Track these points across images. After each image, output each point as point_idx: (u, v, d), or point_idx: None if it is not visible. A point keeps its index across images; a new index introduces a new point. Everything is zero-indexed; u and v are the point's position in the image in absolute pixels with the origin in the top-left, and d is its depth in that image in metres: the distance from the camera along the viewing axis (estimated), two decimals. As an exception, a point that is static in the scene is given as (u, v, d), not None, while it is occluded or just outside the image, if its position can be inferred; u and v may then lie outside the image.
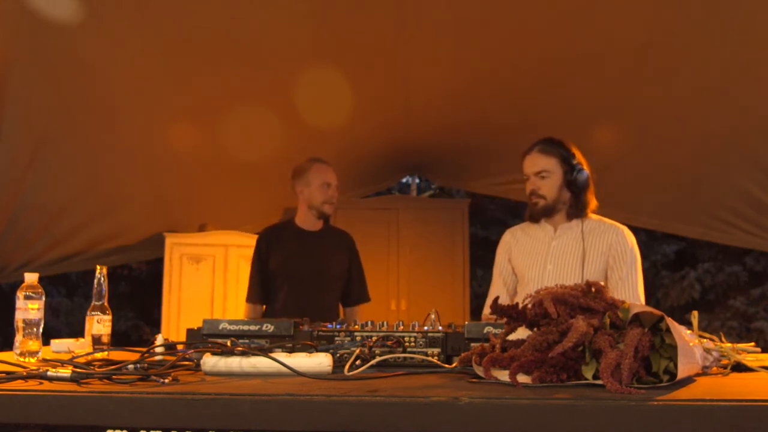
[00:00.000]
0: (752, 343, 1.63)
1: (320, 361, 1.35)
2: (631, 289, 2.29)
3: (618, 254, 2.34)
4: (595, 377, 1.18)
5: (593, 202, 2.42)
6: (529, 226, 2.51)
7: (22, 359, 1.58)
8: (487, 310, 2.43)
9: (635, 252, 2.36)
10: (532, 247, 2.46)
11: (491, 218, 8.79)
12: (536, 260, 2.42)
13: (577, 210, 2.40)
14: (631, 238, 2.38)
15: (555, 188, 2.38)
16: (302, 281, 3.05)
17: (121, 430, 1.09)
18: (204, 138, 3.96)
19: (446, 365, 1.50)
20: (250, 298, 3.14)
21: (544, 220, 2.45)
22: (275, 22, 3.14)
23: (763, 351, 1.69)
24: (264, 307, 3.12)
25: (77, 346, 1.86)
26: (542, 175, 2.38)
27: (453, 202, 6.54)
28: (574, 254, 2.36)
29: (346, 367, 1.35)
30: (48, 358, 1.65)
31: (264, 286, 3.11)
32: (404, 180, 7.17)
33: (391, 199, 6.51)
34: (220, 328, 1.57)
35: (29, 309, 1.59)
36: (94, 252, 4.26)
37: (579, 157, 2.41)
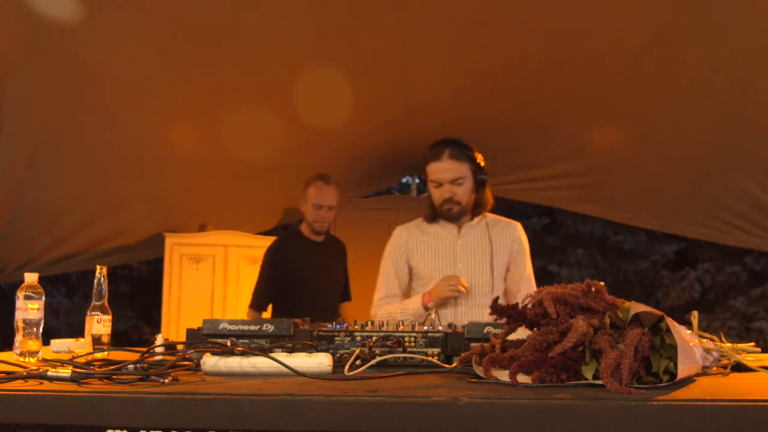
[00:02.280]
0: (752, 343, 1.63)
1: (320, 361, 1.35)
2: (529, 280, 2.50)
3: (519, 248, 2.50)
4: (595, 377, 1.18)
5: (491, 200, 2.51)
6: (427, 225, 2.52)
7: (22, 359, 1.58)
8: (377, 307, 2.47)
9: (528, 246, 2.54)
10: (435, 246, 2.47)
11: (491, 218, 8.78)
12: (445, 260, 2.45)
13: (480, 209, 2.48)
14: (525, 234, 2.55)
15: (468, 193, 2.42)
16: (313, 288, 3.31)
17: (121, 430, 1.09)
18: (204, 138, 3.96)
19: (446, 365, 1.50)
20: (256, 306, 3.37)
21: (445, 219, 2.48)
22: (275, 22, 3.14)
23: (763, 351, 1.69)
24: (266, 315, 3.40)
25: (77, 346, 1.86)
26: (458, 182, 2.39)
27: (453, 202, 6.51)
28: (482, 251, 2.44)
29: (346, 367, 1.35)
30: (48, 358, 1.65)
31: (271, 296, 3.35)
32: (404, 180, 7.18)
33: (391, 199, 6.51)
34: (220, 328, 1.57)
35: (29, 309, 1.59)
36: (94, 252, 4.26)
37: (480, 157, 2.44)
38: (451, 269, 2.43)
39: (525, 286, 2.45)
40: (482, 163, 2.43)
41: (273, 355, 1.35)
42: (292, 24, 3.17)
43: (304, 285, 3.31)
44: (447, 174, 2.38)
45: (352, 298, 3.60)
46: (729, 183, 3.92)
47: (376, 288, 2.56)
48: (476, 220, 2.49)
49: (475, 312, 2.38)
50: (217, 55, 3.32)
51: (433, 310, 2.29)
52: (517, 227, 2.54)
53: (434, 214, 2.48)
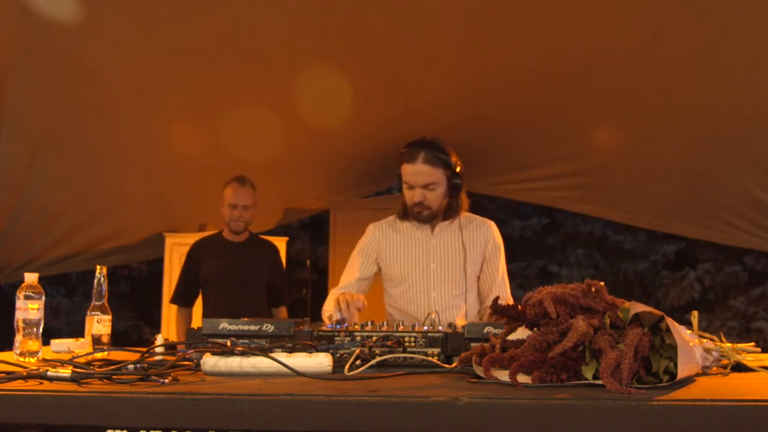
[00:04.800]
0: (752, 343, 1.63)
1: (320, 361, 1.35)
2: (503, 282, 2.45)
3: (493, 248, 2.45)
4: (595, 377, 1.18)
5: (466, 203, 2.47)
6: (399, 223, 2.47)
7: (22, 359, 1.58)
8: (330, 305, 2.27)
9: (503, 245, 2.50)
10: (408, 246, 2.43)
11: (491, 218, 8.77)
12: (417, 260, 2.41)
13: (453, 211, 2.43)
14: (498, 232, 2.51)
15: (440, 198, 2.37)
16: (226, 288, 3.42)
17: (121, 430, 1.09)
18: (204, 138, 3.97)
19: (446, 365, 1.50)
20: (173, 300, 3.62)
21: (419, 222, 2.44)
22: (275, 22, 3.14)
23: (763, 351, 1.69)
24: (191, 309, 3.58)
25: (77, 346, 1.86)
26: (430, 187, 2.34)
27: (453, 202, 6.51)
28: (455, 252, 2.41)
29: (346, 367, 1.35)
30: (48, 358, 1.65)
31: (188, 293, 3.54)
32: (404, 180, 7.15)
33: (391, 199, 6.47)
34: (220, 328, 1.57)
35: (29, 309, 1.59)
36: (94, 252, 4.26)
37: (456, 160, 2.37)
38: (424, 269, 2.40)
39: (497, 289, 2.40)
40: (458, 168, 2.36)
41: (273, 355, 1.35)
42: (292, 24, 3.17)
43: (214, 283, 3.43)
44: (420, 178, 2.32)
45: (286, 303, 3.68)
46: (729, 183, 3.91)
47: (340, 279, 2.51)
48: (449, 221, 2.45)
49: (449, 314, 2.35)
50: (217, 55, 3.32)
51: (434, 309, 2.28)
52: (491, 226, 2.49)
53: (405, 212, 2.43)
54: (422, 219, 2.39)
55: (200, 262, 3.48)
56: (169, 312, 4.56)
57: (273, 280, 3.58)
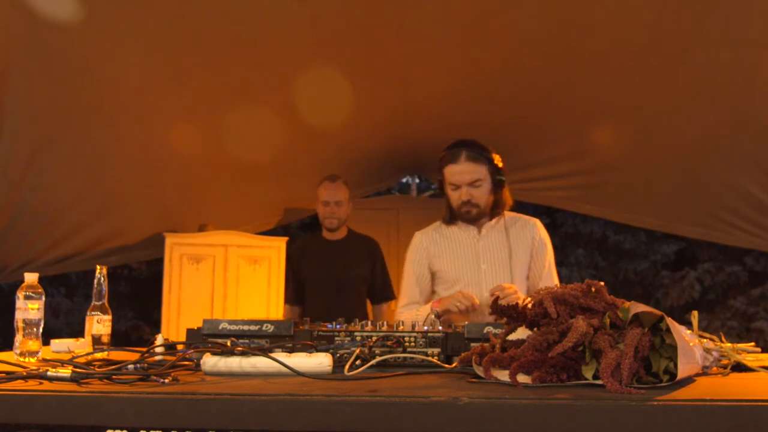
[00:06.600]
0: (752, 343, 1.63)
1: (320, 361, 1.35)
2: (550, 272, 2.50)
3: (539, 246, 2.49)
4: (595, 377, 1.18)
5: (510, 200, 2.51)
6: (445, 227, 2.52)
7: (22, 359, 1.58)
8: (399, 314, 2.47)
9: (549, 242, 2.54)
10: (456, 249, 2.47)
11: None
12: (468, 262, 2.44)
13: (498, 209, 2.47)
14: (544, 229, 2.55)
15: (486, 195, 2.42)
16: (328, 286, 3.48)
17: (121, 430, 1.09)
18: (204, 138, 3.96)
19: (446, 365, 1.50)
20: (286, 300, 3.73)
21: (464, 221, 2.47)
22: (275, 22, 3.14)
23: (763, 351, 1.69)
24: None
25: (77, 346, 1.86)
26: (476, 184, 2.38)
27: (453, 202, 6.51)
28: (503, 251, 2.44)
29: (346, 367, 1.35)
30: (48, 358, 1.66)
31: (296, 293, 3.61)
32: (404, 180, 7.17)
33: (391, 199, 6.50)
34: (220, 328, 1.57)
35: (29, 309, 1.59)
36: (94, 252, 4.25)
37: (496, 156, 2.43)
38: (475, 270, 2.42)
39: (543, 282, 2.46)
40: (500, 164, 2.42)
41: (273, 355, 1.35)
42: (292, 24, 3.17)
43: (314, 283, 3.51)
44: (464, 176, 2.37)
45: (396, 297, 3.63)
46: (729, 183, 3.91)
47: (399, 294, 2.59)
48: (495, 220, 2.48)
49: None
50: (217, 55, 3.31)
51: (434, 309, 2.29)
52: (536, 224, 2.52)
53: (452, 216, 2.47)
54: (471, 218, 2.42)
55: (301, 262, 3.59)
56: (169, 312, 4.56)
57: (373, 276, 3.60)
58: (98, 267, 1.77)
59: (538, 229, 2.51)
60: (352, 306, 3.48)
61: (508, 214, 2.51)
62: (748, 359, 1.52)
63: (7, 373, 1.30)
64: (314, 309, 3.42)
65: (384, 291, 3.63)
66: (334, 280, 3.49)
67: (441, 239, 2.51)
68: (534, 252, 2.48)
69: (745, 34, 3.02)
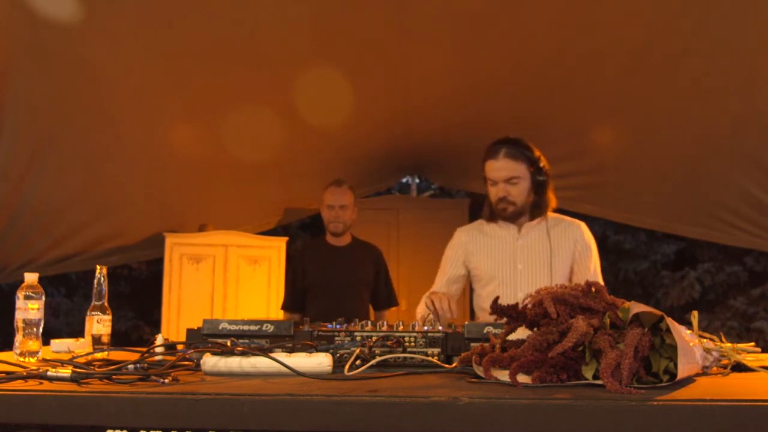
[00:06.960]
0: (752, 343, 1.63)
1: (320, 361, 1.35)
2: (594, 276, 2.44)
3: (583, 249, 2.46)
4: (595, 377, 1.18)
5: (554, 201, 2.48)
6: (486, 225, 2.51)
7: (22, 359, 1.58)
8: (422, 308, 2.36)
9: (595, 245, 2.52)
10: (495, 247, 2.46)
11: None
12: (505, 260, 2.43)
13: (540, 210, 2.45)
14: (589, 232, 2.51)
15: (524, 193, 2.39)
16: (331, 291, 3.46)
17: (121, 430, 1.09)
18: (204, 138, 3.96)
19: (446, 365, 1.50)
20: (284, 306, 3.63)
21: (501, 219, 2.45)
22: (275, 22, 3.14)
23: (763, 351, 1.69)
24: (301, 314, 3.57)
25: (77, 346, 1.86)
26: (513, 181, 2.37)
27: (453, 202, 6.53)
28: (542, 252, 2.41)
29: (346, 367, 1.35)
30: (48, 358, 1.66)
31: (296, 298, 3.56)
32: (404, 180, 7.17)
33: (391, 199, 6.50)
34: (220, 328, 1.57)
35: (29, 309, 1.59)
36: (94, 252, 4.26)
37: (541, 157, 2.41)
38: (511, 270, 2.41)
39: None
40: (544, 165, 2.40)
41: (273, 355, 1.35)
42: (292, 24, 3.17)
43: (316, 289, 3.49)
44: (502, 173, 2.36)
45: (399, 303, 3.69)
46: (729, 183, 3.91)
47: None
48: (537, 220, 2.45)
49: None
50: (217, 55, 3.31)
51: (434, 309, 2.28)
52: (581, 226, 2.49)
53: (492, 213, 2.45)
54: (507, 215, 2.40)
55: (304, 267, 3.54)
56: (169, 312, 4.57)
57: (376, 283, 3.60)
58: (98, 267, 1.77)
59: (582, 231, 2.47)
60: (355, 311, 3.42)
61: (552, 216, 2.48)
62: (748, 359, 1.52)
63: (7, 373, 1.30)
64: (317, 314, 3.36)
65: (387, 298, 3.64)
66: (338, 286, 3.49)
67: (480, 236, 2.50)
68: (577, 255, 2.44)
69: (744, 34, 3.02)
